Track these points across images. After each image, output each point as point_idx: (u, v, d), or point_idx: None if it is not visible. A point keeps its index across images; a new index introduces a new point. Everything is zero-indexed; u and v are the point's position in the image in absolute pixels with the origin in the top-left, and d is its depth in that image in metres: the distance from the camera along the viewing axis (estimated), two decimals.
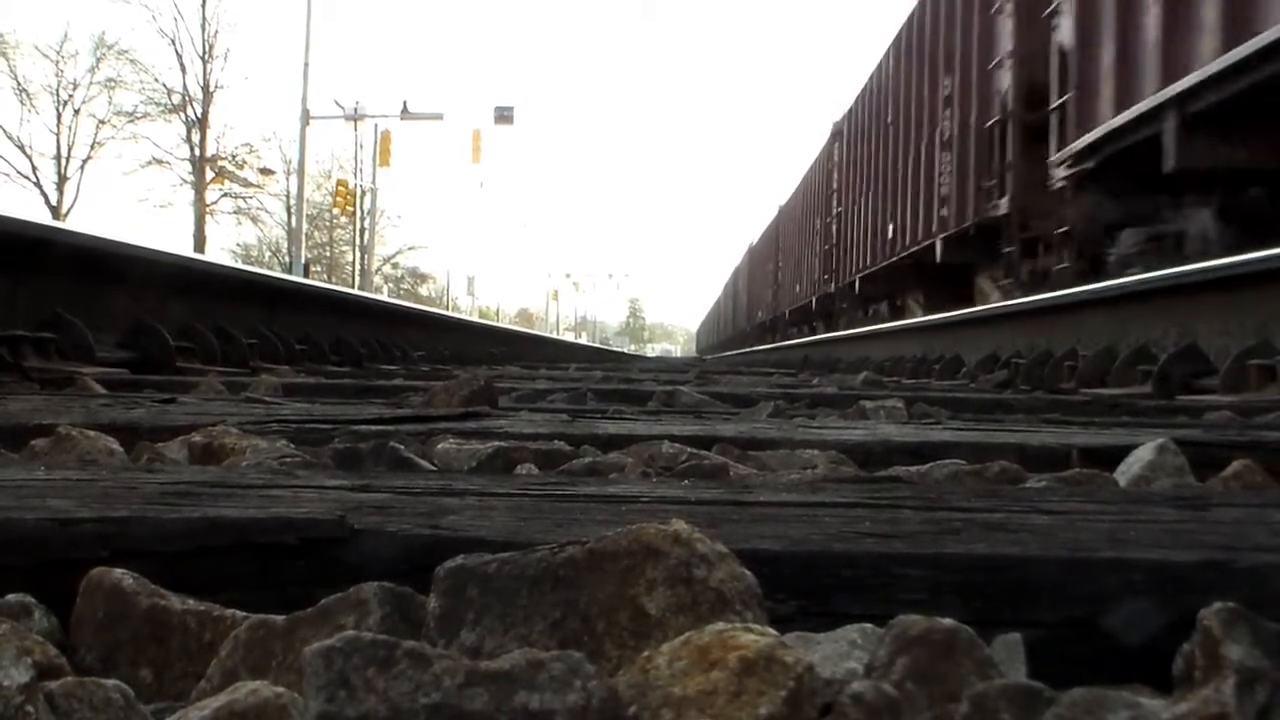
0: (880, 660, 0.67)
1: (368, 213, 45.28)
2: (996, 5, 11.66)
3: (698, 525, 0.76)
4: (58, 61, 41.33)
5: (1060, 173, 8.91)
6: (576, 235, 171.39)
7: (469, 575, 0.73)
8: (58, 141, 40.84)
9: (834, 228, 21.16)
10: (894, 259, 15.20)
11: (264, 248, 50.29)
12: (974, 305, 10.71)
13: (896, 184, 15.69)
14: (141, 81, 41.90)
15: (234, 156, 43.56)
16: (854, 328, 15.94)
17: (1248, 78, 6.09)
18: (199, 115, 41.54)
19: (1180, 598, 0.80)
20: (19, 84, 40.40)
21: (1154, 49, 7.22)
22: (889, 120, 16.61)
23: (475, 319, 25.20)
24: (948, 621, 0.67)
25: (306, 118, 35.36)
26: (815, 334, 17.70)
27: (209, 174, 42.14)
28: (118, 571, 0.79)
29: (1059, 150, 8.88)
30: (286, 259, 41.22)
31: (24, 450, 1.70)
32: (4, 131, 39.88)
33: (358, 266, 44.21)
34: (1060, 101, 9.01)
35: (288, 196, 45.92)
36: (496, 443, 1.80)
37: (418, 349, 9.60)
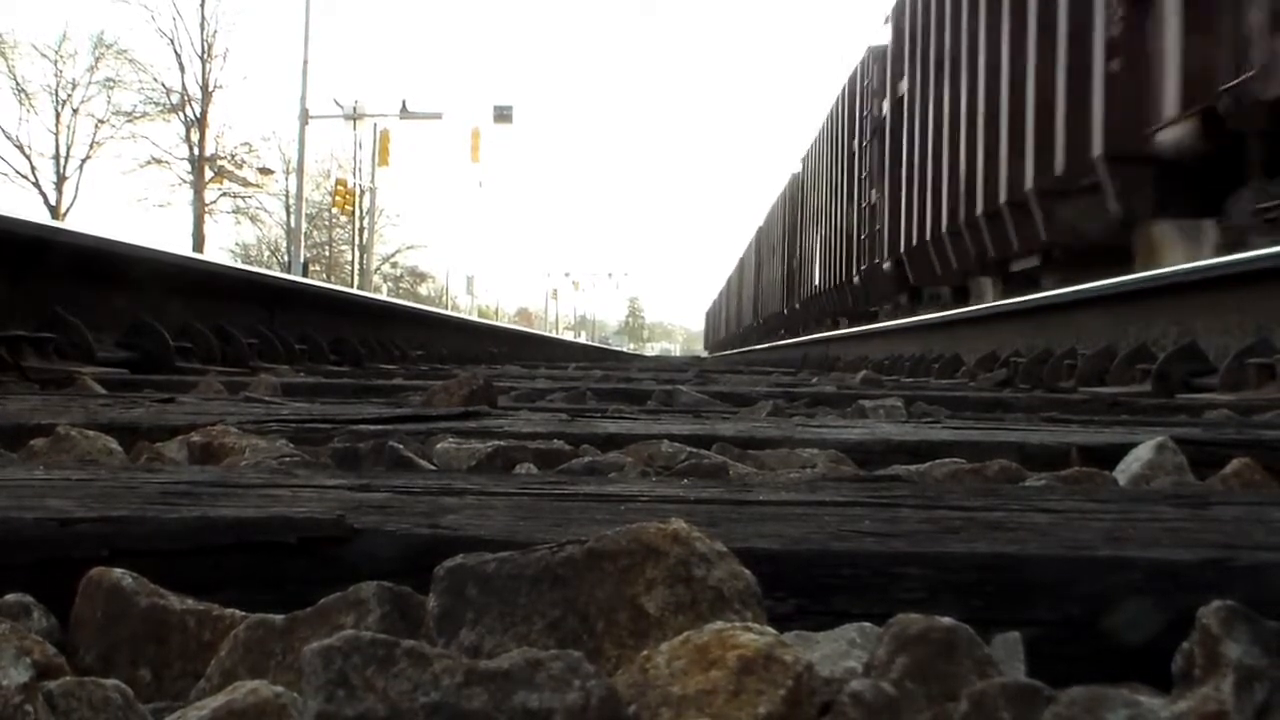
0: (879, 659, 0.66)
1: (367, 212, 45.28)
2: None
3: (697, 524, 0.76)
4: (56, 61, 41.39)
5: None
6: (576, 234, 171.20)
7: (468, 574, 0.73)
8: (56, 141, 40.88)
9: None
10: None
11: (263, 247, 50.25)
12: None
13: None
14: (140, 81, 41.95)
15: (233, 156, 43.56)
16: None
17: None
18: (198, 115, 41.55)
19: (1179, 596, 0.80)
20: (18, 84, 40.46)
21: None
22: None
23: (475, 318, 25.20)
24: (947, 620, 0.67)
25: (305, 117, 35.36)
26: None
27: (208, 173, 42.11)
28: (117, 571, 0.79)
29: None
30: (285, 258, 41.19)
31: (23, 450, 1.70)
32: (3, 131, 39.95)
33: (357, 266, 44.20)
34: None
35: (287, 196, 45.93)
36: (496, 442, 1.80)
37: (417, 348, 9.59)
